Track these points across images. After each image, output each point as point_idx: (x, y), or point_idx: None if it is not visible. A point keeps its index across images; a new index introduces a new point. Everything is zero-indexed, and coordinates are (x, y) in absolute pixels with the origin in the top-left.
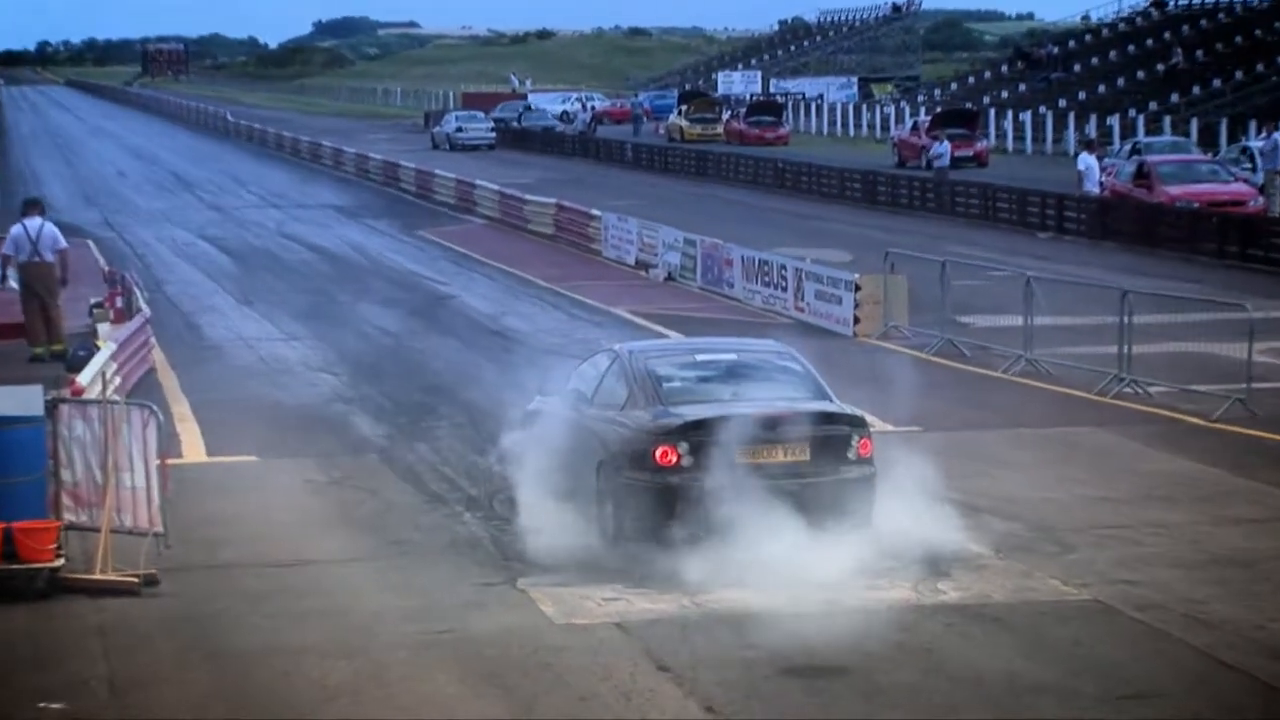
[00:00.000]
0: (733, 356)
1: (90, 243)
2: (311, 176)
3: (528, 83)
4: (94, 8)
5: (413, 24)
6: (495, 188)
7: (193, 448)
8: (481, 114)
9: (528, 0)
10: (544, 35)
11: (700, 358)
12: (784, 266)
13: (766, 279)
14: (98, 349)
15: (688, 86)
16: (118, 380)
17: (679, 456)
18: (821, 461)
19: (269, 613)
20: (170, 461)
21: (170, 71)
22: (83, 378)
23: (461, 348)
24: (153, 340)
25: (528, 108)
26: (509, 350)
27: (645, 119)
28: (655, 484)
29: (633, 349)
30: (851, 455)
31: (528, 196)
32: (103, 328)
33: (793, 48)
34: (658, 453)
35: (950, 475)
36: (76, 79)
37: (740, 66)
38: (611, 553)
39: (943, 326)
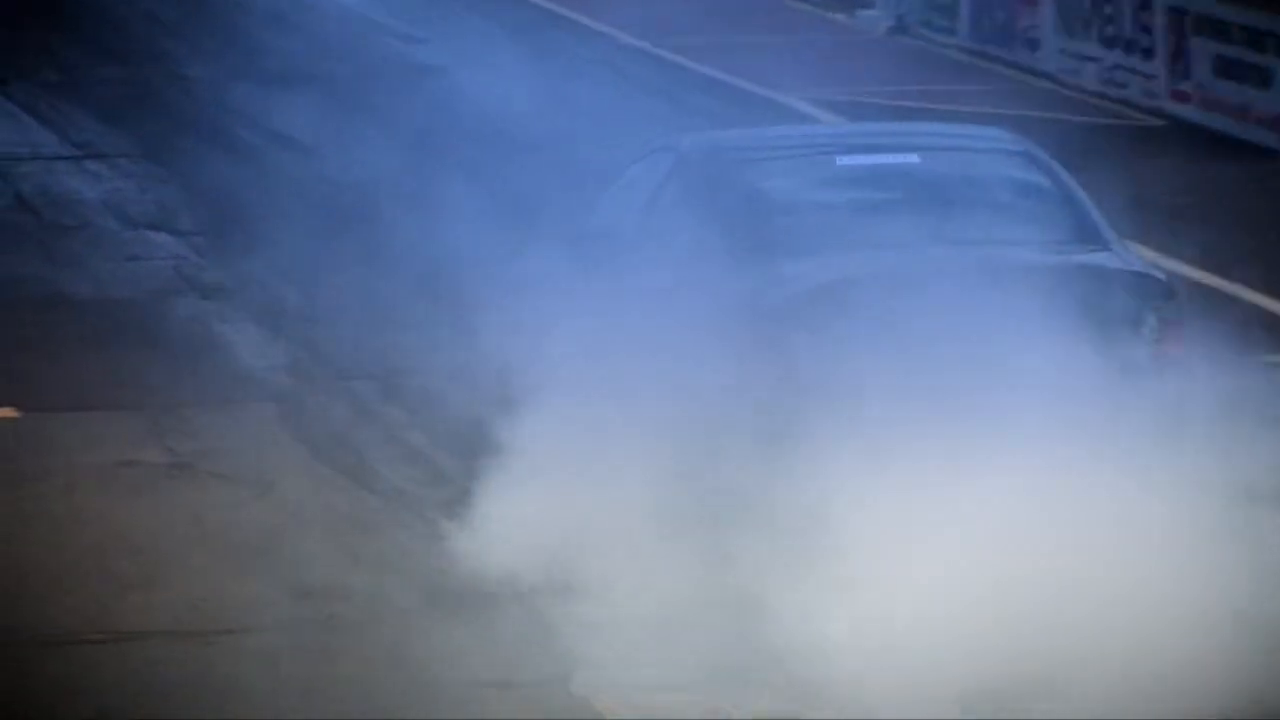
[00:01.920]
0: (911, 159)
1: None
2: None
3: None
4: None
5: None
6: None
7: None
8: None
9: None
10: None
11: (845, 162)
12: (1148, 7)
13: (1111, 33)
14: None
15: None
16: None
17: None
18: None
19: None
20: None
21: None
22: None
23: (448, 177)
24: None
25: None
26: (545, 179)
27: None
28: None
29: (713, 144)
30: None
31: None
32: None
33: None
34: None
35: None
36: None
37: None
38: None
39: None
